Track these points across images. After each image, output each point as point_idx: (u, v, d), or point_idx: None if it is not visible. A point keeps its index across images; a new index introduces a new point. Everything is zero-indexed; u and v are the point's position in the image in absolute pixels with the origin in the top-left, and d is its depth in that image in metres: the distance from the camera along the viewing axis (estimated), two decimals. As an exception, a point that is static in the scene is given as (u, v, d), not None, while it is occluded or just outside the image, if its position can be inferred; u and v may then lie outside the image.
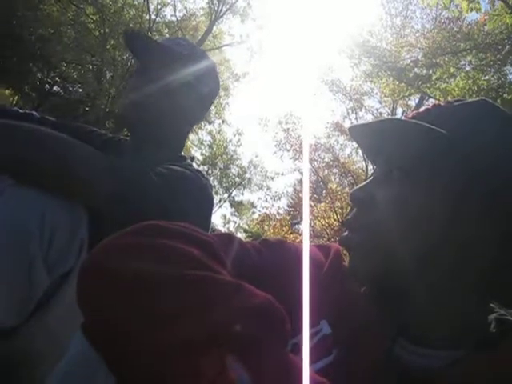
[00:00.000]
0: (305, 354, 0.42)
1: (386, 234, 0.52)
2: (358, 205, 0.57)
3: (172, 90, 1.07)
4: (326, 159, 14.13)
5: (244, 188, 18.24)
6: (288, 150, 13.98)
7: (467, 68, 8.71)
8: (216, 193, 16.57)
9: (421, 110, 0.59)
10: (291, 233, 14.18)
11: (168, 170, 0.94)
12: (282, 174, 16.72)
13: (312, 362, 0.48)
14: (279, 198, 16.55)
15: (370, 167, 10.93)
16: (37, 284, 0.74)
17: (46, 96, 12.69)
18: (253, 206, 19.58)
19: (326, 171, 14.23)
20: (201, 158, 16.97)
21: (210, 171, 16.90)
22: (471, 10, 6.29)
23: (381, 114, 13.25)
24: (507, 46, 7.60)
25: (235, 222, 21.19)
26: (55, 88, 13.35)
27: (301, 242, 0.63)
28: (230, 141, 17.21)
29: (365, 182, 0.58)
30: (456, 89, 8.28)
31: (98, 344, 0.40)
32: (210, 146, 17.40)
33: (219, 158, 17.16)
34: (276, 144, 14.16)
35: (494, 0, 6.88)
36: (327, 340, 0.52)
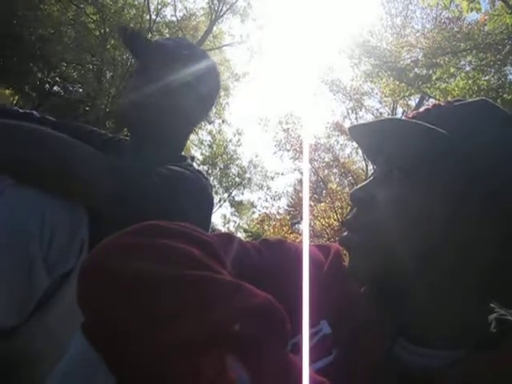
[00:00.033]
0: (305, 354, 0.42)
1: (385, 234, 0.52)
2: (358, 205, 0.57)
3: (172, 90, 1.06)
4: (326, 159, 14.14)
5: (244, 188, 18.25)
6: (288, 150, 13.99)
7: (467, 68, 8.71)
8: (216, 193, 16.57)
9: (421, 110, 0.59)
10: (291, 233, 14.18)
11: (168, 170, 0.94)
12: (282, 174, 16.74)
13: (312, 361, 0.48)
14: (279, 198, 16.56)
15: (370, 167, 10.94)
16: (37, 284, 0.74)
17: (46, 96, 12.69)
18: (253, 205, 19.59)
19: (326, 171, 14.23)
20: (201, 157, 16.98)
21: (210, 171, 16.90)
22: (471, 10, 6.29)
23: (381, 114, 13.26)
24: (507, 46, 7.60)
25: (235, 222, 21.20)
26: (55, 88, 13.35)
27: (301, 241, 0.63)
28: (230, 141, 17.22)
29: (365, 182, 0.58)
30: (456, 89, 8.28)
31: (97, 344, 0.40)
32: (210, 146, 17.40)
33: (219, 157, 17.16)
34: (276, 144, 14.18)
35: (495, 0, 6.88)
36: (327, 340, 0.52)
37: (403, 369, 0.49)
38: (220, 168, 17.42)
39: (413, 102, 12.11)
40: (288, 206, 16.83)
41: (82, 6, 11.71)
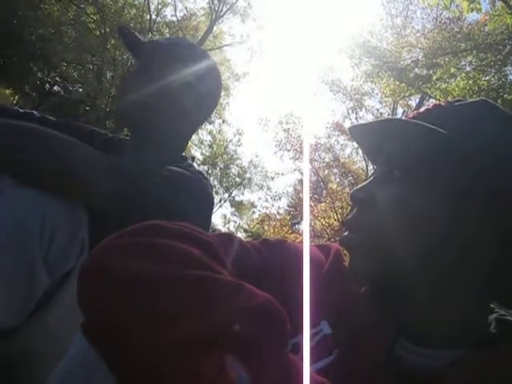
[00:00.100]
0: (305, 354, 0.42)
1: (386, 234, 0.52)
2: (359, 205, 0.57)
3: (172, 90, 1.06)
4: (327, 159, 14.13)
5: (244, 188, 18.26)
6: (288, 150, 13.98)
7: (468, 68, 8.72)
8: (216, 193, 16.58)
9: (421, 110, 0.59)
10: (291, 233, 14.18)
11: (168, 170, 0.94)
12: (283, 174, 16.73)
13: (312, 361, 0.48)
14: (279, 198, 16.54)
15: (371, 167, 10.94)
16: (37, 284, 0.74)
17: (46, 96, 12.69)
18: (253, 205, 19.60)
19: (327, 171, 14.22)
20: (201, 157, 16.99)
21: (210, 171, 16.91)
22: (472, 10, 6.29)
23: (381, 114, 13.26)
24: (508, 47, 7.60)
25: (235, 222, 21.21)
26: (55, 88, 13.36)
27: (301, 241, 0.63)
28: (231, 141, 17.23)
29: (365, 182, 0.58)
30: (456, 89, 8.29)
31: (97, 344, 0.40)
32: (211, 146, 17.41)
33: (219, 157, 17.17)
34: (276, 144, 14.16)
35: (495, 0, 6.89)
36: (327, 340, 0.52)
37: (403, 369, 0.49)
38: (220, 168, 17.43)
39: (413, 103, 12.12)
40: (288, 206, 16.85)
41: (82, 5, 11.71)
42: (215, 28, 13.60)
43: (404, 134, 0.52)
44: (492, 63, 8.08)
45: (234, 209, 20.07)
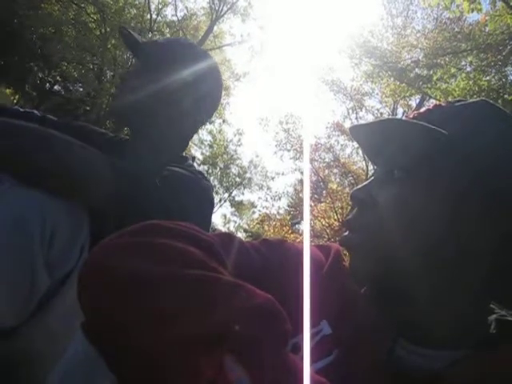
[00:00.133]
0: (305, 354, 0.42)
1: (386, 235, 0.52)
2: (359, 205, 0.57)
3: (172, 90, 1.06)
4: (327, 159, 14.14)
5: (244, 188, 18.27)
6: (288, 150, 13.98)
7: (468, 68, 8.72)
8: (216, 192, 16.58)
9: (422, 110, 0.59)
10: (291, 233, 14.18)
11: (168, 170, 0.94)
12: (283, 174, 16.74)
13: (312, 361, 0.48)
14: (279, 198, 16.54)
15: (371, 167, 10.94)
16: (37, 284, 0.74)
17: (46, 95, 12.70)
18: (253, 205, 19.62)
19: (327, 171, 14.22)
20: (201, 157, 17.01)
21: (210, 171, 16.92)
22: (472, 10, 6.28)
23: (381, 114, 13.26)
24: (508, 47, 7.60)
25: (235, 222, 21.23)
26: (56, 87, 13.37)
27: (301, 241, 0.63)
28: (231, 140, 17.25)
29: (365, 183, 0.58)
30: (457, 89, 8.28)
31: (97, 343, 0.40)
32: (211, 146, 17.42)
33: (220, 157, 17.17)
34: (276, 144, 14.16)
35: (496, 0, 6.88)
36: (327, 340, 0.52)
37: (403, 369, 0.49)
38: (220, 168, 17.44)
39: (413, 103, 12.12)
40: (288, 206, 16.85)
41: (82, 5, 11.72)
42: (216, 28, 13.61)
43: (404, 135, 0.52)
44: (492, 63, 8.07)
45: (234, 209, 20.10)
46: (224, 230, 18.10)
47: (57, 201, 0.76)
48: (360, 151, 12.33)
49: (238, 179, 17.84)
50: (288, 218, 15.50)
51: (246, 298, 0.40)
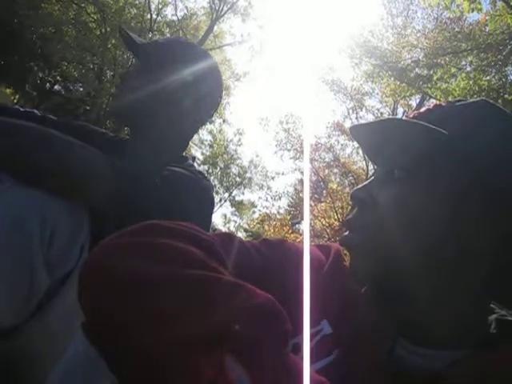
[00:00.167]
0: (305, 354, 0.42)
1: (386, 234, 0.52)
2: (359, 205, 0.57)
3: (172, 90, 1.06)
4: (327, 159, 14.15)
5: (244, 187, 18.26)
6: (288, 150, 13.99)
7: (468, 68, 8.72)
8: (216, 192, 16.58)
9: (422, 110, 0.59)
10: (292, 232, 14.19)
11: (168, 170, 0.94)
12: (283, 174, 16.68)
13: (312, 361, 0.48)
14: (280, 198, 16.53)
15: (371, 167, 10.94)
16: (37, 284, 0.74)
17: (46, 95, 12.71)
18: (253, 205, 19.61)
19: (327, 171, 14.23)
20: (201, 157, 17.00)
21: (210, 171, 16.92)
22: (472, 10, 6.28)
23: (382, 114, 13.27)
24: (508, 47, 7.60)
25: (236, 222, 21.22)
26: (56, 87, 13.38)
27: (301, 241, 0.63)
28: (231, 140, 17.24)
29: (365, 182, 0.58)
30: (457, 89, 8.28)
31: (97, 343, 0.40)
32: (211, 146, 17.42)
33: (220, 157, 17.17)
34: (277, 144, 14.18)
35: (496, 0, 6.88)
36: (328, 340, 0.52)
37: (404, 369, 0.49)
38: (220, 168, 17.44)
39: (414, 102, 12.13)
40: (288, 205, 16.85)
41: (82, 5, 11.72)
42: (216, 27, 13.61)
43: (404, 134, 0.52)
44: (493, 63, 8.07)
45: (234, 208, 20.09)
46: (224, 229, 18.11)
47: (57, 200, 0.76)
48: (360, 151, 12.35)
49: (238, 179, 17.85)
50: (288, 217, 15.51)
51: (247, 297, 0.40)
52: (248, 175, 17.77)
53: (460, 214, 0.50)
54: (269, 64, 16.50)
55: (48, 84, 13.06)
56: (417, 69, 9.10)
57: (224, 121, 16.35)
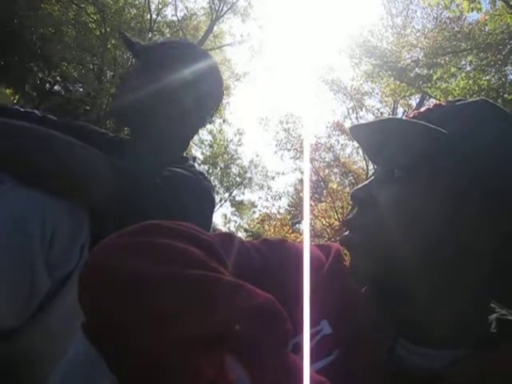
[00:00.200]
0: (305, 354, 0.42)
1: (386, 234, 0.52)
2: (359, 204, 0.57)
3: (172, 90, 1.06)
4: (327, 159, 14.15)
5: (245, 187, 18.28)
6: (289, 150, 13.99)
7: (468, 68, 8.71)
8: (217, 192, 16.56)
9: (422, 109, 0.59)
10: (292, 232, 14.18)
11: (169, 170, 0.94)
12: (283, 174, 16.70)
13: (312, 361, 0.48)
14: (280, 198, 16.54)
15: (371, 167, 10.94)
16: (38, 285, 0.74)
17: (46, 95, 12.71)
18: (253, 205, 19.62)
19: (327, 171, 14.22)
20: (201, 157, 17.01)
21: (210, 171, 16.93)
22: (472, 9, 6.28)
23: (382, 113, 13.26)
24: (508, 46, 7.60)
25: (236, 222, 21.23)
26: (56, 87, 13.38)
27: (301, 241, 0.63)
28: (231, 140, 17.26)
29: (366, 182, 0.58)
30: (457, 89, 8.28)
31: (98, 344, 0.40)
32: (211, 146, 17.43)
33: (220, 157, 17.18)
34: (277, 143, 14.17)
35: (495, 0, 6.88)
36: (328, 340, 0.52)
37: (404, 369, 0.49)
38: (221, 168, 17.45)
39: (413, 102, 12.12)
40: (289, 205, 16.85)
41: (82, 5, 11.72)
42: (216, 28, 13.61)
43: (404, 134, 0.52)
44: (492, 63, 8.07)
45: (234, 208, 20.10)
46: (224, 229, 18.10)
47: (57, 201, 0.76)
48: (360, 151, 12.35)
49: (238, 179, 17.86)
50: (288, 217, 15.51)
51: (247, 297, 0.40)
52: (248, 175, 17.80)
53: (460, 214, 0.50)
54: (269, 64, 16.53)
55: (48, 84, 13.06)
56: (417, 68, 9.09)
57: (224, 121, 16.37)
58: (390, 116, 7.18)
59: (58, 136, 0.81)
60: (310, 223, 12.40)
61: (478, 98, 0.57)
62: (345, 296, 0.56)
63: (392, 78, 9.59)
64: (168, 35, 12.56)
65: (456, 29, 8.88)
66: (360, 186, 0.58)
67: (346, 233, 0.58)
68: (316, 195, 14.09)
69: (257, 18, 13.60)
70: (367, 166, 12.30)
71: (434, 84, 8.97)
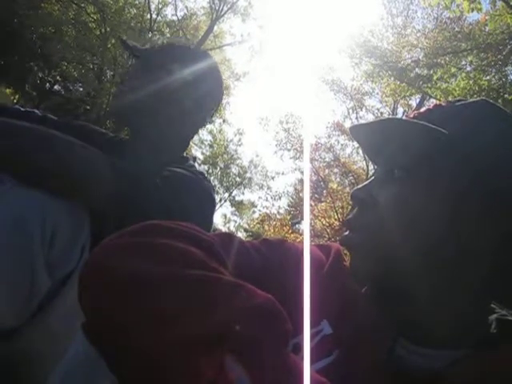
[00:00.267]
0: (305, 354, 0.42)
1: (386, 234, 0.52)
2: (359, 204, 0.57)
3: (172, 90, 1.06)
4: (327, 159, 14.15)
5: (244, 187, 18.26)
6: (289, 150, 13.99)
7: (468, 68, 8.72)
8: (217, 192, 16.49)
9: (422, 109, 0.59)
10: (292, 232, 14.18)
11: (169, 170, 0.94)
12: (283, 174, 16.69)
13: (313, 362, 0.48)
14: (280, 198, 16.53)
15: (371, 167, 10.94)
16: (38, 284, 0.74)
17: (46, 95, 12.71)
18: (253, 205, 19.61)
19: (327, 171, 14.22)
20: (201, 157, 17.01)
21: (210, 171, 16.93)
22: (472, 10, 6.28)
23: (382, 113, 13.26)
24: (508, 46, 7.60)
25: (236, 222, 21.22)
26: (56, 87, 13.38)
27: (301, 241, 0.63)
28: (231, 140, 17.26)
29: (366, 182, 0.58)
30: (457, 89, 8.28)
31: (98, 344, 0.40)
32: (211, 146, 17.43)
33: (220, 157, 17.18)
34: (277, 143, 14.17)
35: (495, 0, 6.88)
36: (328, 340, 0.52)
37: (404, 369, 0.49)
38: (221, 168, 17.44)
39: (414, 102, 12.12)
40: (288, 205, 16.84)
41: (82, 5, 11.72)
42: (216, 27, 13.60)
43: (404, 134, 0.52)
44: (493, 63, 8.07)
45: (234, 208, 20.09)
46: (224, 229, 18.10)
47: (58, 201, 0.76)
48: (360, 151, 12.35)
49: (238, 179, 17.85)
50: (288, 217, 15.50)
51: (247, 297, 0.40)
52: (248, 175, 17.79)
53: (460, 214, 0.50)
54: (269, 64, 16.52)
55: (48, 84, 13.06)
56: (417, 69, 9.10)
57: (224, 121, 16.37)
58: (390, 116, 7.18)
59: (58, 136, 0.81)
60: (310, 223, 12.40)
61: (478, 99, 0.57)
62: (345, 296, 0.56)
63: (392, 78, 9.59)
64: (168, 35, 12.56)
65: (456, 29, 8.89)
66: (360, 186, 0.58)
67: (346, 233, 0.58)
68: (316, 195, 14.09)
69: (257, 17, 13.62)
70: (367, 165, 12.30)
71: (434, 84, 8.97)
